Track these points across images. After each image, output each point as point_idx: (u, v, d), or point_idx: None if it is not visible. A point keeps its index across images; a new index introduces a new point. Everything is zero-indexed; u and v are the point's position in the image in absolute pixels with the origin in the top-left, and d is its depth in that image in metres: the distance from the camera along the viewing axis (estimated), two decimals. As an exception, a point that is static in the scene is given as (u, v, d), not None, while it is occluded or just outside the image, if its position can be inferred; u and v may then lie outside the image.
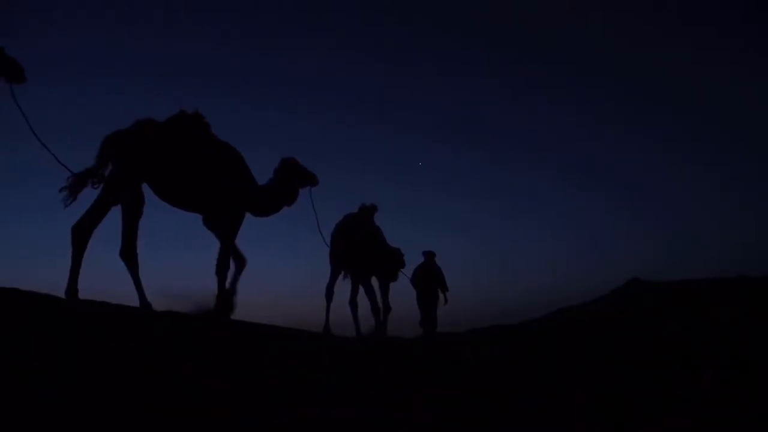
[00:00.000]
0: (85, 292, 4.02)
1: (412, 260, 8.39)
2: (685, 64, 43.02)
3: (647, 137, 47.71)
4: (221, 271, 4.69)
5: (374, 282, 7.40)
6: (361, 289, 7.29)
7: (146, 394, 2.17)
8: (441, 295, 9.15)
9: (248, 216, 5.06)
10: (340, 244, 6.92)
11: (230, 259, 4.79)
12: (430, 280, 9.08)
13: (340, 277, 7.15)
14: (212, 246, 4.80)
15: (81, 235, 4.03)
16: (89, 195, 4.20)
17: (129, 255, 4.28)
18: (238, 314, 4.96)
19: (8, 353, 2.38)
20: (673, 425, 2.85)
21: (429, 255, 9.32)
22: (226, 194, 4.70)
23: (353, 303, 7.22)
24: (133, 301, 4.32)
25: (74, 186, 4.13)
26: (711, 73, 42.45)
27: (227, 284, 4.77)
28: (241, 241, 5.01)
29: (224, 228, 4.78)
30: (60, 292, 3.94)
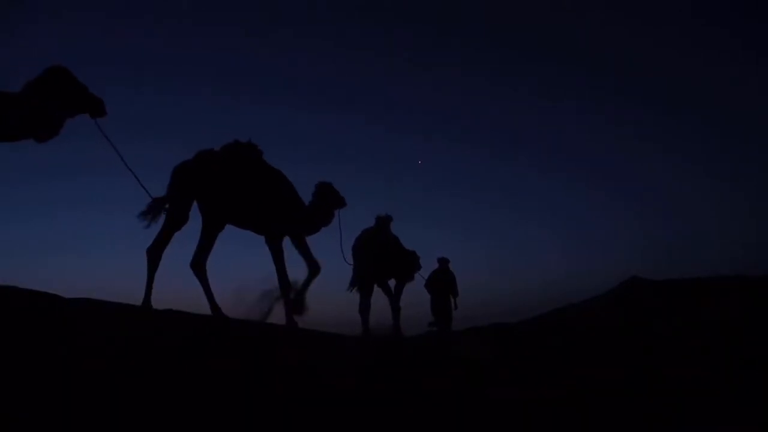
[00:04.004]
0: (87, 291, 4.04)
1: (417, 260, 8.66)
2: (685, 64, 43.08)
3: (647, 137, 47.74)
4: (282, 282, 5.14)
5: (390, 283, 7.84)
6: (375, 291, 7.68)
7: (145, 394, 2.17)
8: (452, 300, 9.66)
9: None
10: (364, 257, 7.31)
11: (285, 268, 5.22)
12: (444, 285, 9.56)
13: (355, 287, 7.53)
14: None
15: (154, 256, 4.60)
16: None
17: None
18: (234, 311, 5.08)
19: (8, 352, 2.37)
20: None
21: (443, 261, 9.78)
22: (278, 216, 5.20)
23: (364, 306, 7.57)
24: (135, 301, 4.41)
25: (153, 210, 4.66)
26: (711, 73, 42.51)
27: (299, 286, 5.32)
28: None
29: (274, 243, 5.21)
30: (56, 289, 3.95)
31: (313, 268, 5.39)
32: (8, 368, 2.15)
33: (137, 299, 4.46)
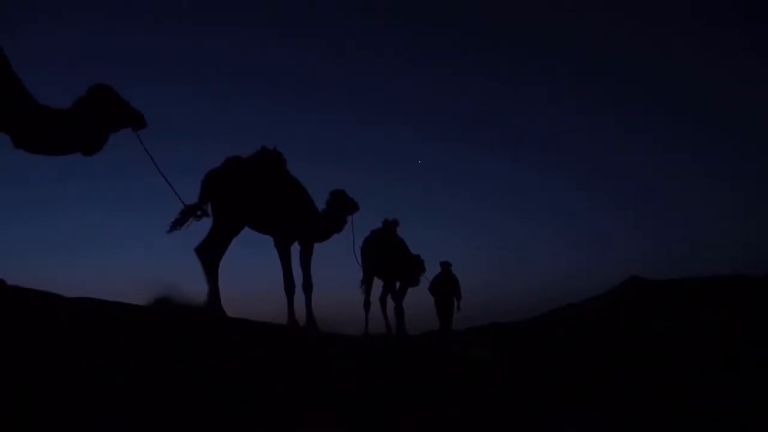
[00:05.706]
0: (87, 291, 4.06)
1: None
2: (685, 64, 43.03)
3: (647, 137, 47.73)
4: (287, 282, 5.33)
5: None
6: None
7: (146, 393, 2.17)
8: (455, 302, 10.00)
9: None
10: (370, 258, 7.62)
11: (291, 270, 5.39)
12: (446, 288, 9.91)
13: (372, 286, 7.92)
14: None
15: (206, 257, 4.89)
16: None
17: (207, 257, 4.92)
18: (248, 313, 5.17)
19: (8, 352, 2.37)
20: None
21: (446, 265, 10.09)
22: (292, 221, 5.40)
23: (383, 302, 7.99)
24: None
25: (183, 217, 4.78)
26: (711, 73, 42.40)
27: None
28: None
29: (284, 246, 5.43)
30: (56, 289, 3.94)
31: (308, 286, 5.55)
32: (8, 368, 2.15)
33: (137, 299, 4.47)
